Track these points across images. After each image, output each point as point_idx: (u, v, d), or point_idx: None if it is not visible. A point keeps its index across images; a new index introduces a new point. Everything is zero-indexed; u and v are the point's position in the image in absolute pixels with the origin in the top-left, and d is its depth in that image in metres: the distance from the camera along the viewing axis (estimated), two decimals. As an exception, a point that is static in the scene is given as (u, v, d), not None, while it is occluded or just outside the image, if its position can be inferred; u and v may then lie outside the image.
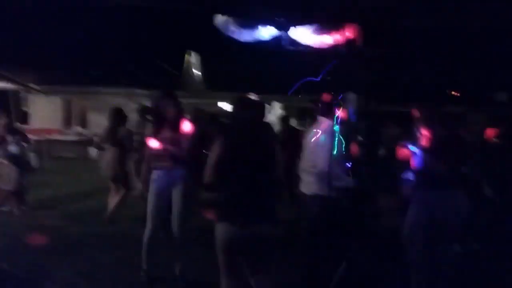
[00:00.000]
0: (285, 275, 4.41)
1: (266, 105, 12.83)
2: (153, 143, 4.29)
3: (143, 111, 7.64)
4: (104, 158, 6.65)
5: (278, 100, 14.12)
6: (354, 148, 4.35)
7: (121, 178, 6.58)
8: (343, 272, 4.00)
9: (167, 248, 4.49)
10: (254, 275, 3.19)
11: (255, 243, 3.08)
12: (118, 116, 6.68)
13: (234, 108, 3.29)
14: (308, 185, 4.10)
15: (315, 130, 4.18)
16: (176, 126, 4.29)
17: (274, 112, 14.25)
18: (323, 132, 4.06)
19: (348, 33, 3.65)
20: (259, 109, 3.46)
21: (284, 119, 8.02)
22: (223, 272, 3.20)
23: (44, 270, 4.67)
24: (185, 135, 4.37)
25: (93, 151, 15.57)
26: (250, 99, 3.33)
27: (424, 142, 3.93)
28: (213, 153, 3.14)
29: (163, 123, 4.30)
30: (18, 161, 7.01)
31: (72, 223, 6.59)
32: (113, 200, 6.64)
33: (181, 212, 4.35)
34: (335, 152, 3.90)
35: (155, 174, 4.32)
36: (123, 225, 6.42)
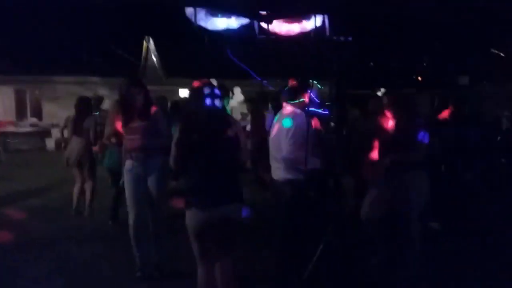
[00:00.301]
0: (256, 259, 4.54)
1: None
2: (123, 133, 4.17)
3: (98, 100, 7.47)
4: (69, 148, 6.49)
5: (240, 86, 14.15)
6: (318, 127, 4.39)
7: (88, 168, 6.48)
8: (321, 253, 4.08)
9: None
10: (220, 259, 3.25)
11: (224, 225, 3.15)
12: (84, 105, 6.52)
13: (191, 95, 3.32)
14: (276, 170, 4.14)
15: (280, 115, 4.21)
16: (145, 114, 4.16)
17: (236, 98, 14.27)
18: (288, 117, 4.06)
19: (317, 21, 3.75)
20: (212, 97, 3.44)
21: (252, 102, 7.99)
22: (197, 258, 3.25)
23: (14, 267, 4.54)
24: (156, 123, 4.30)
25: (50, 143, 15.17)
26: (202, 88, 3.30)
27: (390, 126, 4.10)
28: (176, 141, 3.18)
29: (132, 112, 4.13)
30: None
31: (38, 217, 6.41)
32: (77, 191, 6.53)
33: (157, 201, 4.28)
34: (300, 137, 3.92)
35: (129, 164, 4.20)
36: (91, 218, 6.33)
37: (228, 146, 3.20)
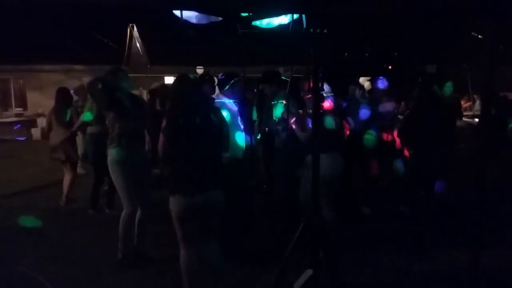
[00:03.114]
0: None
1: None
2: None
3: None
4: (52, 139, 6.54)
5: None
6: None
7: (71, 159, 6.53)
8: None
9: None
10: (206, 244, 3.39)
11: (207, 211, 3.27)
12: (64, 96, 6.55)
13: (174, 85, 3.43)
14: None
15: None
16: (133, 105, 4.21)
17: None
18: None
19: (294, 16, 3.94)
20: (197, 85, 3.57)
21: None
22: (181, 242, 3.32)
23: (11, 254, 4.62)
24: (142, 113, 4.35)
25: (36, 132, 15.15)
26: (187, 76, 3.42)
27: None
28: (163, 128, 3.24)
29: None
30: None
31: (29, 206, 6.47)
32: (66, 181, 6.61)
33: (149, 190, 4.35)
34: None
35: (122, 155, 4.13)
36: (78, 205, 6.43)
37: (213, 133, 3.31)
